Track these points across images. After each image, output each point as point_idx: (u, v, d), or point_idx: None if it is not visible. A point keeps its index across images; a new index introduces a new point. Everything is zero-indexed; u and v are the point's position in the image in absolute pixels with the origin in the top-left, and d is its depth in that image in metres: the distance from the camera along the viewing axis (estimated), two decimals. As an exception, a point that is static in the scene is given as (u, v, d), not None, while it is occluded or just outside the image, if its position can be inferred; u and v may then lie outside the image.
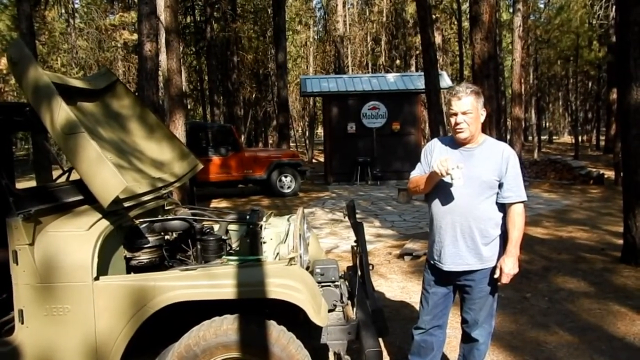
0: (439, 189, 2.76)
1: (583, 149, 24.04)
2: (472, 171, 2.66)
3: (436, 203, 2.81)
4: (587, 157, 20.56)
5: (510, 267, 2.67)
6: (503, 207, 2.75)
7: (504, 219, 2.75)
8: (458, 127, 2.70)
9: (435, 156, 2.80)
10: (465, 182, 2.57)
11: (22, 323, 2.43)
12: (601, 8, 17.95)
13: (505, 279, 2.69)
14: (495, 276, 2.72)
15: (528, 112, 29.47)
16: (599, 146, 25.40)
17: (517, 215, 2.69)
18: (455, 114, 2.70)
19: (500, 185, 2.69)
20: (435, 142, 2.93)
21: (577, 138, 22.07)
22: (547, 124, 45.74)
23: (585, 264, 6.00)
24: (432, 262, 2.89)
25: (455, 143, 2.81)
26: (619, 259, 6.03)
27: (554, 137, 36.82)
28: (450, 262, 2.77)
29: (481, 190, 2.69)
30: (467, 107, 2.67)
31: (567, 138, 35.45)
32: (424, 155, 2.93)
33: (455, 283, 2.85)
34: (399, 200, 11.42)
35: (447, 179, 2.59)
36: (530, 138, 30.97)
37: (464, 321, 2.92)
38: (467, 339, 2.93)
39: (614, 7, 17.19)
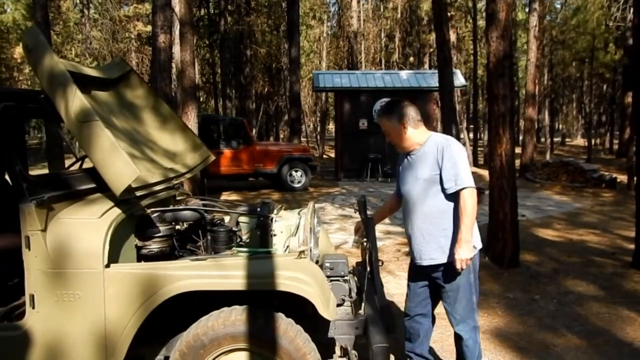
0: (402, 197, 3.03)
1: (596, 152, 23.81)
2: (417, 173, 2.89)
3: (402, 208, 3.08)
4: (599, 160, 20.35)
5: (461, 252, 2.73)
6: (457, 197, 2.81)
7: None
8: (390, 142, 3.00)
9: (398, 169, 3.11)
10: (414, 185, 2.88)
11: (33, 308, 2.45)
12: (618, 10, 17.72)
13: (458, 265, 2.75)
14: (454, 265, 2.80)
15: (541, 113, 29.17)
16: (612, 149, 25.12)
17: (463, 202, 2.75)
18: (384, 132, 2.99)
19: (442, 178, 2.80)
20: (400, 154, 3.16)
21: (590, 141, 21.86)
22: (560, 126, 45.33)
23: (595, 268, 5.95)
24: (410, 256, 3.08)
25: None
26: (629, 263, 5.97)
27: (567, 139, 36.50)
28: (418, 258, 2.94)
29: (427, 188, 2.84)
30: (384, 127, 2.96)
31: (580, 140, 35.13)
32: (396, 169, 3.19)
33: (430, 277, 2.99)
34: None
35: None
36: (542, 139, 30.67)
37: (448, 318, 3.02)
38: (455, 337, 3.03)
39: (632, 9, 16.97)
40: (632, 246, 6.09)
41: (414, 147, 2.92)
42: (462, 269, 2.77)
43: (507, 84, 5.94)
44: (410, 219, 2.96)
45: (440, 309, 3.15)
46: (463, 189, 2.74)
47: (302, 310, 2.60)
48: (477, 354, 2.97)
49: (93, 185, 2.87)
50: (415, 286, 3.08)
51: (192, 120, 9.33)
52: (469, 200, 2.73)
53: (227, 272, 2.47)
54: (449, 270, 2.84)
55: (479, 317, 3.04)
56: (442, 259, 2.85)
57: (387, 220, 8.83)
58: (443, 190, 2.81)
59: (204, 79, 29.19)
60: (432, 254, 2.87)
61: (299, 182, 13.38)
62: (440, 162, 2.78)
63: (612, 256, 6.44)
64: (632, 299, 4.89)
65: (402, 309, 4.54)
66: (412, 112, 2.90)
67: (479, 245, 2.93)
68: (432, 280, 2.99)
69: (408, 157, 2.98)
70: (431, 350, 3.68)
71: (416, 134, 2.90)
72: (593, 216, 9.53)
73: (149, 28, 17.68)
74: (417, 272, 3.03)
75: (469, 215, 2.73)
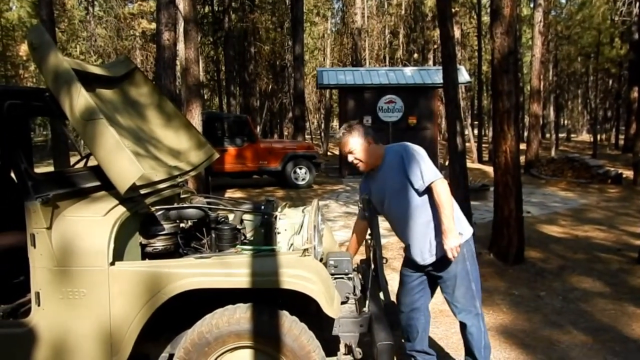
0: (384, 215, 3.10)
1: (601, 148, 23.67)
2: (387, 186, 2.97)
3: (390, 224, 3.15)
4: (605, 156, 20.23)
5: (449, 241, 2.80)
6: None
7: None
8: (353, 163, 3.00)
9: (367, 191, 3.14)
10: (390, 198, 2.96)
11: (39, 305, 2.47)
12: (624, 4, 17.58)
13: (449, 254, 2.82)
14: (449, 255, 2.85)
15: (546, 109, 29.05)
16: (617, 145, 24.96)
17: (436, 194, 2.84)
18: (346, 155, 3.01)
19: (411, 181, 2.88)
20: (361, 182, 3.25)
21: (595, 136, 21.70)
22: (566, 122, 45.10)
23: (600, 264, 5.93)
24: (407, 255, 3.11)
25: (368, 174, 3.12)
26: (635, 259, 5.94)
27: (572, 135, 36.27)
28: (420, 259, 2.99)
29: (403, 196, 2.93)
30: (348, 147, 2.96)
31: (585, 136, 34.94)
32: (360, 196, 3.25)
33: (426, 270, 3.04)
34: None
35: None
36: (547, 135, 30.54)
37: (451, 309, 3.07)
38: (460, 327, 3.06)
39: (637, 3, 16.84)
40: (638, 242, 6.08)
41: (378, 162, 3.01)
42: (454, 257, 2.84)
43: (512, 80, 5.91)
44: (401, 230, 3.04)
45: (441, 306, 3.15)
46: (432, 182, 2.83)
47: (306, 308, 2.60)
48: (484, 343, 2.97)
49: (98, 183, 2.88)
50: (409, 279, 3.12)
51: (196, 118, 9.33)
52: (442, 191, 2.83)
53: (232, 270, 2.47)
54: (443, 260, 2.91)
55: (482, 308, 3.05)
56: (439, 254, 2.92)
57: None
58: (416, 191, 2.89)
59: (208, 77, 29.20)
60: (432, 251, 2.94)
61: (303, 179, 13.38)
62: (405, 166, 2.88)
63: (618, 252, 6.41)
64: (638, 295, 4.87)
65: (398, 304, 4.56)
66: (370, 130, 3.05)
67: (468, 232, 2.99)
68: (428, 273, 3.04)
69: (373, 177, 3.07)
70: (436, 348, 3.68)
71: (378, 148, 3.03)
72: (599, 212, 9.49)
73: (154, 25, 17.72)
74: (414, 267, 3.07)
75: (446, 205, 2.82)
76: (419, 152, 2.94)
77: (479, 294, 3.00)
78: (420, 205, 2.92)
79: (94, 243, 2.44)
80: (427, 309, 3.18)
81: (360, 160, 2.98)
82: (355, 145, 2.96)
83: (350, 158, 2.99)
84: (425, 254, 2.96)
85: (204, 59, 25.56)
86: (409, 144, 3.02)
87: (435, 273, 3.00)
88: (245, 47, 23.96)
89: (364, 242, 3.29)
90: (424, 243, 2.95)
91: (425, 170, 2.85)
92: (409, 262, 3.10)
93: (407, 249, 3.08)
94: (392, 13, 31.59)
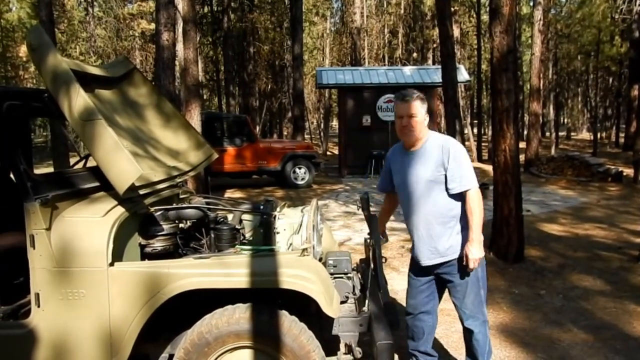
0: (400, 196, 3.02)
1: (602, 146, 23.66)
2: (418, 172, 2.86)
3: (403, 208, 3.05)
4: (605, 154, 20.21)
5: (474, 252, 2.77)
6: (461, 196, 2.84)
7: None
8: (404, 129, 2.85)
9: (391, 167, 3.07)
10: (416, 184, 2.85)
11: (39, 306, 2.47)
12: (624, 2, 17.57)
13: (471, 265, 2.79)
14: (464, 263, 2.81)
15: (546, 107, 29.03)
16: (618, 143, 24.93)
17: (471, 202, 2.79)
18: (401, 117, 2.85)
19: (447, 178, 2.80)
20: (390, 151, 3.16)
21: (595, 135, 21.69)
22: (566, 120, 45.07)
23: (601, 262, 5.93)
24: (412, 255, 3.07)
25: (403, 148, 2.99)
26: (636, 257, 5.94)
27: (572, 134, 36.24)
28: (424, 258, 2.93)
29: (430, 188, 2.84)
30: (412, 110, 2.81)
31: (585, 135, 34.91)
32: (385, 167, 3.18)
33: (436, 273, 2.99)
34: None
35: None
36: (547, 134, 30.55)
37: (458, 313, 3.03)
38: (465, 331, 3.04)
39: (638, 1, 16.82)
40: (639, 240, 6.06)
41: (417, 143, 2.89)
42: (472, 268, 2.80)
43: (511, 79, 5.91)
44: (413, 220, 2.95)
45: (442, 305, 3.15)
46: (469, 189, 2.78)
47: (305, 307, 2.60)
48: (487, 349, 2.98)
49: (97, 184, 2.88)
50: (418, 283, 3.07)
51: (195, 118, 9.33)
52: (477, 200, 2.78)
53: (231, 270, 2.47)
54: (458, 266, 2.87)
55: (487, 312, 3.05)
56: (449, 256, 2.88)
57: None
58: (446, 189, 2.82)
59: (208, 77, 29.18)
60: (439, 253, 2.88)
61: (302, 179, 13.38)
62: (446, 162, 2.78)
63: (618, 250, 6.41)
64: (638, 293, 4.87)
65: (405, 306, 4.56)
66: None
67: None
68: (438, 276, 2.99)
69: (405, 154, 2.96)
70: (436, 346, 3.67)
71: (426, 129, 2.91)
72: (599, 210, 9.48)
73: (153, 26, 17.71)
74: (420, 270, 3.03)
75: (478, 215, 2.77)
76: (464, 153, 2.85)
77: (485, 300, 2.98)
78: (442, 204, 2.85)
79: (93, 244, 2.44)
80: (436, 312, 3.15)
81: (414, 129, 2.83)
82: (420, 112, 2.83)
83: (405, 122, 2.83)
84: (432, 254, 2.90)
85: (203, 59, 25.54)
86: (455, 140, 2.91)
87: (447, 277, 2.95)
88: (244, 47, 23.94)
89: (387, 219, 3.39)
90: (435, 242, 2.88)
91: (466, 174, 2.79)
92: (416, 265, 3.04)
93: (413, 247, 3.03)
94: (391, 12, 31.60)
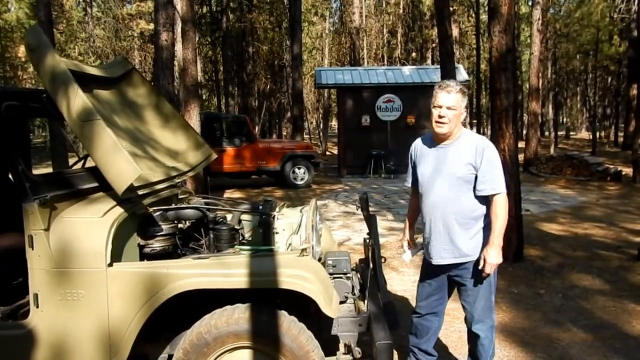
0: (422, 189, 2.90)
1: (601, 145, 23.68)
2: (448, 168, 2.78)
3: (422, 201, 2.93)
4: (604, 153, 20.24)
5: (492, 256, 2.72)
6: (487, 199, 2.79)
7: (490, 210, 2.80)
8: (440, 120, 2.75)
9: (417, 158, 2.97)
10: (442, 180, 2.77)
11: (37, 307, 2.46)
12: (623, 1, 17.58)
13: (488, 269, 2.74)
14: (480, 267, 2.77)
15: (545, 107, 29.04)
16: (617, 142, 24.96)
17: (497, 206, 2.74)
18: (440, 107, 2.75)
19: (476, 178, 2.75)
20: (417, 142, 3.04)
21: (594, 134, 21.71)
22: (565, 120, 45.10)
23: (600, 262, 5.93)
24: (425, 255, 3.01)
25: (433, 140, 2.90)
26: (635, 257, 5.94)
27: (571, 133, 36.27)
28: (437, 257, 2.89)
29: (458, 186, 2.77)
30: (453, 102, 2.73)
31: (584, 134, 34.93)
32: (410, 159, 3.05)
33: (448, 275, 2.94)
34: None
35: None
36: (546, 133, 30.58)
37: (465, 316, 2.99)
38: (471, 335, 3.00)
39: (636, 0, 16.84)
40: (638, 239, 6.08)
41: (450, 137, 2.81)
42: (488, 273, 2.77)
43: (510, 78, 5.91)
44: (433, 216, 2.85)
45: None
46: (498, 193, 2.73)
47: (305, 307, 2.60)
48: (491, 353, 2.97)
49: (96, 184, 2.88)
50: (430, 287, 3.02)
51: (194, 118, 9.32)
52: (502, 205, 2.74)
53: (230, 270, 2.47)
54: (473, 269, 2.82)
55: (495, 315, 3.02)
56: (463, 257, 2.83)
57: (390, 217, 8.82)
58: (474, 189, 2.76)
59: (207, 77, 29.17)
60: (454, 253, 2.82)
61: (302, 179, 13.37)
62: (478, 162, 2.73)
63: (617, 249, 6.41)
64: (638, 292, 4.87)
65: (406, 305, 4.56)
66: None
67: None
68: (451, 278, 2.95)
69: (435, 147, 2.87)
70: (436, 346, 3.67)
71: (460, 125, 2.83)
72: (598, 210, 9.49)
73: (152, 26, 17.69)
74: (435, 272, 2.96)
75: (502, 220, 2.73)
76: (498, 157, 2.80)
77: (494, 305, 2.96)
78: (466, 203, 2.78)
79: (92, 244, 2.44)
80: (443, 314, 3.13)
81: (449, 121, 2.73)
82: (460, 106, 2.75)
83: (443, 112, 2.72)
84: (446, 252, 2.83)
85: (202, 59, 25.53)
86: (490, 142, 2.84)
87: (460, 280, 2.90)
88: (243, 47, 23.94)
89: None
90: (453, 242, 2.80)
91: (497, 178, 2.73)
92: (429, 267, 2.98)
93: (428, 238, 2.92)
94: (390, 12, 31.62)
